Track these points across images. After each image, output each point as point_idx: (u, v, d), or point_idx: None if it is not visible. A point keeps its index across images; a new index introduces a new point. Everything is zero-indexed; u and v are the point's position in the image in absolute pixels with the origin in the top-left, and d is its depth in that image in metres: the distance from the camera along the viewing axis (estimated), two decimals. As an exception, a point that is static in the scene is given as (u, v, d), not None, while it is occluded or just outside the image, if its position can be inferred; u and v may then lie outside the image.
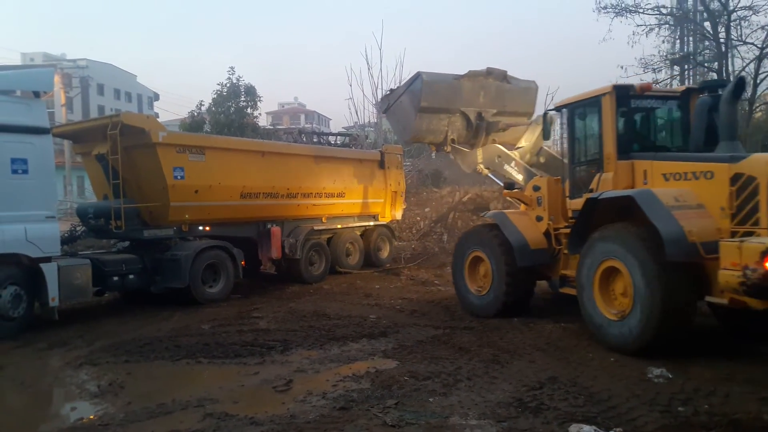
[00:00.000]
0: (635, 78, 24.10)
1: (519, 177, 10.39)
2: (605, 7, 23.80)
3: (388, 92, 12.87)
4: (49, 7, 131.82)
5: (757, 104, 24.52)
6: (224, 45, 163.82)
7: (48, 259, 9.04)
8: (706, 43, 25.72)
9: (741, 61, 24.06)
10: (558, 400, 5.63)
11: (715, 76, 24.66)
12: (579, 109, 8.75)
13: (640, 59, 24.41)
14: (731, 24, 23.05)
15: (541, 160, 10.97)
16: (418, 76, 11.31)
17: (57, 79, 31.47)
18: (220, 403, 5.78)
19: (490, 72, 11.92)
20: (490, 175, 11.45)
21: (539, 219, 9.34)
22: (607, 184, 8.00)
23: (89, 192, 21.49)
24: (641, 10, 23.84)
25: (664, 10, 25.50)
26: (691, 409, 5.35)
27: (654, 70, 24.51)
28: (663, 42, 26.31)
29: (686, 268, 6.74)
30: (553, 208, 9.20)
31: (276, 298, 11.54)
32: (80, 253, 10.77)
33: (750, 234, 6.49)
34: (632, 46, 24.94)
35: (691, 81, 35.08)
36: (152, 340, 8.30)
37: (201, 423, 5.27)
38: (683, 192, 7.16)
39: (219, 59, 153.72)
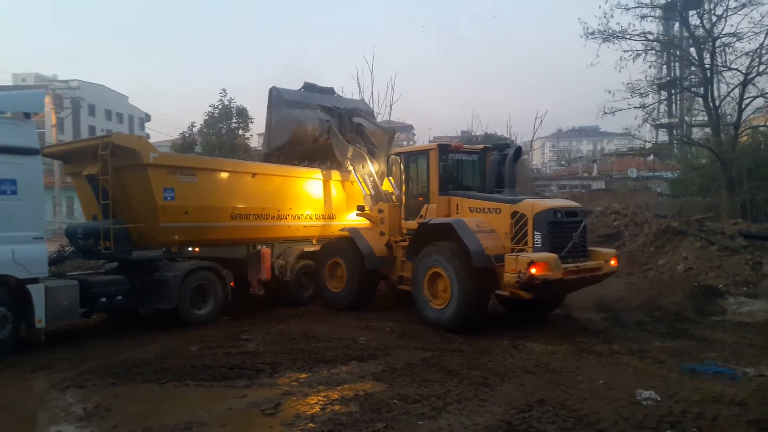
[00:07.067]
0: (623, 102, 24.54)
1: (372, 191, 12.74)
2: (593, 33, 24.28)
3: (265, 148, 14.34)
4: (41, 28, 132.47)
5: (743, 129, 24.85)
6: (216, 67, 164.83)
7: (35, 280, 8.93)
8: (692, 68, 26.16)
9: (726, 86, 24.44)
10: (547, 423, 5.63)
11: (701, 101, 25.09)
12: (413, 156, 11.86)
13: (628, 84, 24.81)
14: (716, 50, 23.49)
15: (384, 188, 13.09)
16: (272, 89, 13.63)
17: (48, 99, 31.49)
18: (207, 427, 5.73)
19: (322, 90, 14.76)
20: (353, 172, 13.33)
21: (382, 234, 12.09)
22: (432, 212, 11.02)
23: (78, 212, 21.36)
24: (628, 36, 24.27)
25: (650, 36, 25.98)
26: (680, 431, 5.37)
27: (641, 94, 24.76)
28: (650, 67, 26.72)
29: (483, 273, 9.72)
30: (392, 226, 12.01)
31: (265, 320, 11.45)
32: (68, 273, 10.66)
33: (522, 251, 9.62)
34: (619, 71, 25.25)
35: (678, 105, 35.66)
36: (139, 363, 8.22)
37: (187, 447, 5.22)
38: (482, 221, 10.25)
39: (211, 81, 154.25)
